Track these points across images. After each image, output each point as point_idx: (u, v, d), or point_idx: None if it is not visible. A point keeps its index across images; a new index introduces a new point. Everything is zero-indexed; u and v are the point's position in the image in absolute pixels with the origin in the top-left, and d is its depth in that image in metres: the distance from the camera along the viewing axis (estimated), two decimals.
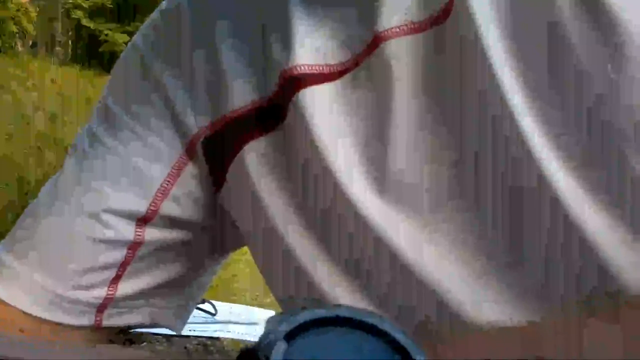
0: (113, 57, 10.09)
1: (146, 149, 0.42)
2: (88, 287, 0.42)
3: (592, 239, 0.30)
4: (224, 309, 1.42)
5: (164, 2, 0.46)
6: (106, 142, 0.43)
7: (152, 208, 0.42)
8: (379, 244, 0.35)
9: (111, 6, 9.77)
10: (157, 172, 0.42)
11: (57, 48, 9.38)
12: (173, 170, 0.42)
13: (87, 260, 0.42)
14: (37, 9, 8.84)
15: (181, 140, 0.42)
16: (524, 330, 0.32)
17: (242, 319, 1.40)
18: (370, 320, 0.23)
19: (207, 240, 0.46)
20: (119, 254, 0.42)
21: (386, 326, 0.23)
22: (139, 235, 0.42)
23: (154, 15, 0.45)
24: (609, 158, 0.31)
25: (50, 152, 6.13)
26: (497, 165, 0.33)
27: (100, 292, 0.43)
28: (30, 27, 8.45)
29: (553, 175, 0.31)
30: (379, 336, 0.23)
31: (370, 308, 0.36)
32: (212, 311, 1.12)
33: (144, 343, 0.80)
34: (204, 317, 1.13)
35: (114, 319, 0.44)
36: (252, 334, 1.38)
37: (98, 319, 0.43)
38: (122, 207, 0.42)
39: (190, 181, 0.43)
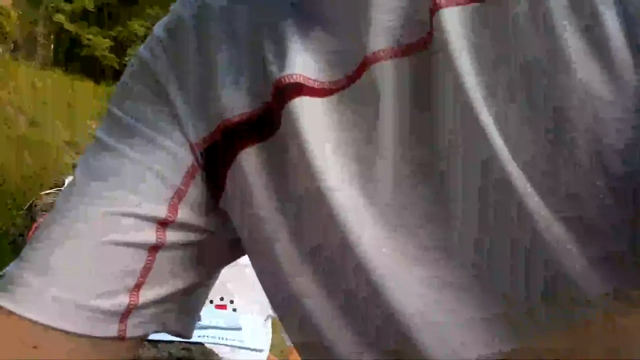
0: (94, 61, 10.01)
1: (162, 154, 0.43)
2: (110, 294, 0.41)
3: (556, 253, 0.32)
4: (207, 314, 1.43)
5: (165, 17, 0.48)
6: (119, 149, 0.43)
7: (170, 211, 0.43)
8: (357, 259, 0.37)
9: (93, 10, 9.72)
10: (174, 177, 0.43)
11: (39, 51, 9.31)
12: (187, 175, 0.43)
13: (108, 265, 0.41)
14: (19, 12, 8.78)
15: (189, 148, 0.43)
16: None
17: (225, 325, 1.41)
18: None
19: (218, 246, 0.46)
20: (139, 258, 0.42)
21: None
22: (160, 238, 0.42)
23: (157, 29, 0.47)
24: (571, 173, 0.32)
25: (31, 155, 6.07)
26: (473, 184, 0.35)
27: (123, 300, 0.42)
28: (11, 30, 8.39)
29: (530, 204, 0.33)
30: None
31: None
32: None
33: None
34: None
35: (137, 329, 0.43)
36: (236, 339, 1.40)
37: (122, 329, 0.42)
38: (142, 211, 0.42)
39: (202, 187, 0.44)
